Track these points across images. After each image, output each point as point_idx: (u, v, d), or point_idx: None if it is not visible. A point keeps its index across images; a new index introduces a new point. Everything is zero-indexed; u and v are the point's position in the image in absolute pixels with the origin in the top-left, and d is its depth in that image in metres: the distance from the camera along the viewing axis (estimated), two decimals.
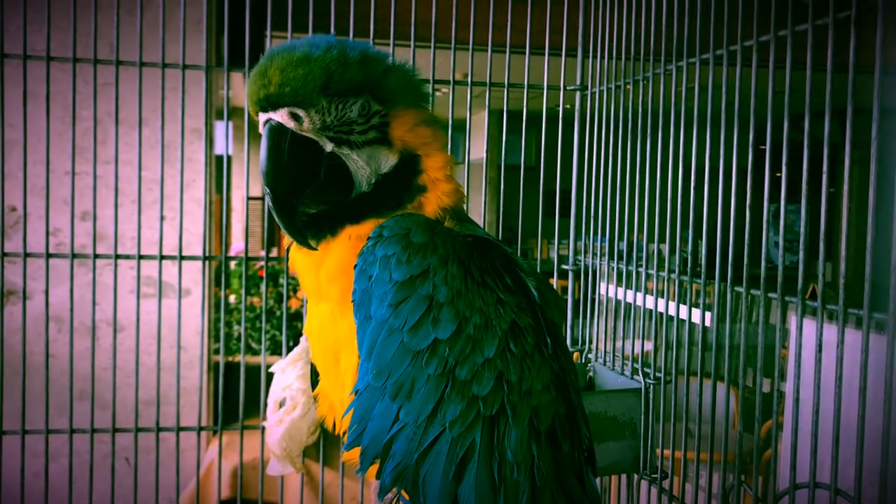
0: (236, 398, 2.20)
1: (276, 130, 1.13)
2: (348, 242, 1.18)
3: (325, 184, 1.17)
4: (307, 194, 1.16)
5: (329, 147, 1.16)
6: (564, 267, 2.32)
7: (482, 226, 1.35)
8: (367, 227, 1.17)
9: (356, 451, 1.10)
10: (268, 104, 1.13)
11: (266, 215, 2.06)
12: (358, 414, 1.08)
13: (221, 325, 2.13)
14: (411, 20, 2.02)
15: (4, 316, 2.57)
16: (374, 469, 1.09)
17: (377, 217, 1.18)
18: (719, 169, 1.68)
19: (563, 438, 1.10)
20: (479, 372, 1.05)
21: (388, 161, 1.20)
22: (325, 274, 1.19)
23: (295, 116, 1.13)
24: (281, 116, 1.13)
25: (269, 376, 1.94)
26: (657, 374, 1.90)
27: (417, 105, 1.24)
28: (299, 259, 1.24)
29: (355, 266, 1.13)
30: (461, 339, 1.05)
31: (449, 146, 1.32)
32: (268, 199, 1.14)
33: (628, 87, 2.04)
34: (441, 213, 1.21)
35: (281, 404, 1.87)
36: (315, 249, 1.18)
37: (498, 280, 1.12)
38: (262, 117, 1.15)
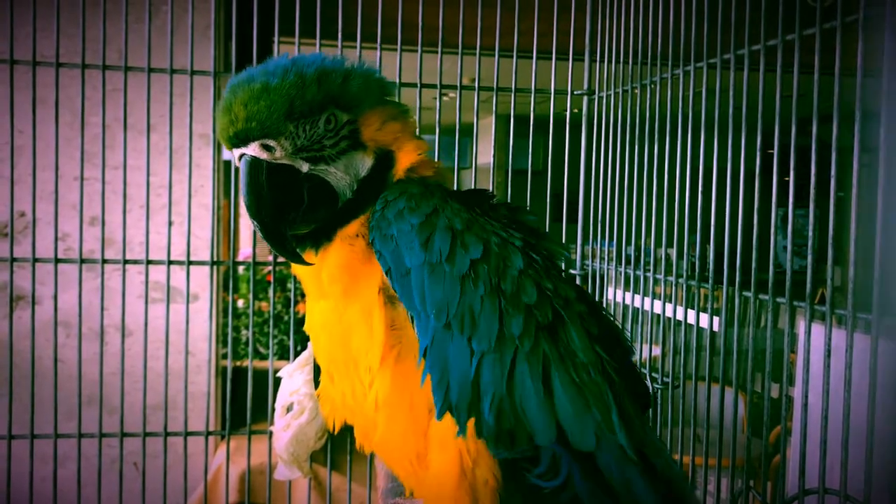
0: (244, 403, 2.20)
1: (252, 164, 1.15)
2: (341, 244, 1.21)
3: (310, 204, 1.19)
4: (293, 218, 1.18)
5: (305, 168, 1.18)
6: (572, 272, 2.32)
7: None
8: (354, 226, 1.20)
9: (447, 425, 1.10)
10: (238, 140, 1.15)
11: None
12: (437, 370, 1.09)
13: (229, 329, 2.13)
14: (418, 25, 2.02)
15: (13, 321, 2.58)
16: (385, 478, 1.08)
17: (362, 215, 1.21)
18: (727, 173, 1.68)
19: (613, 345, 1.13)
20: (520, 282, 1.09)
21: (365, 163, 1.23)
22: (327, 277, 1.22)
23: (267, 147, 1.15)
24: (253, 150, 1.15)
25: (277, 381, 1.94)
26: (665, 379, 1.89)
27: (382, 102, 1.26)
28: (299, 268, 1.27)
29: (372, 241, 1.16)
30: (492, 256, 1.10)
31: (421, 135, 1.33)
32: (257, 230, 1.17)
33: (636, 91, 2.04)
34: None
35: (289, 409, 1.87)
36: (311, 265, 1.21)
37: (491, 211, 1.20)
38: (236, 152, 1.17)
